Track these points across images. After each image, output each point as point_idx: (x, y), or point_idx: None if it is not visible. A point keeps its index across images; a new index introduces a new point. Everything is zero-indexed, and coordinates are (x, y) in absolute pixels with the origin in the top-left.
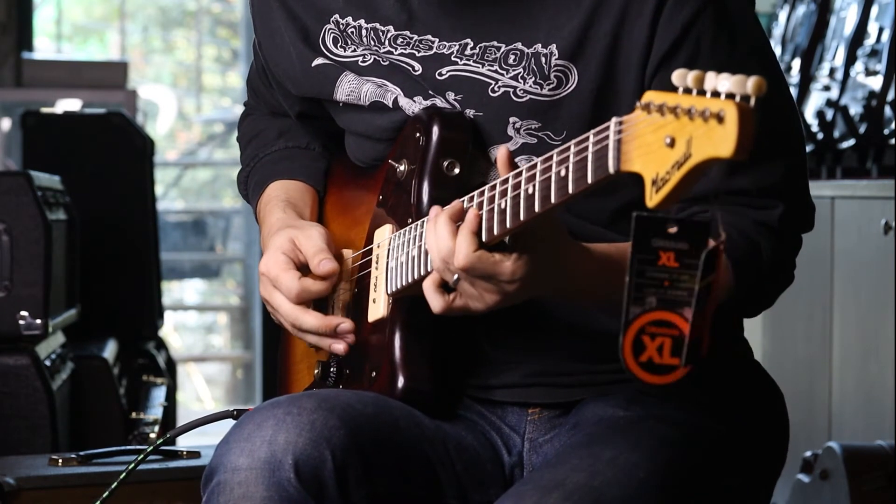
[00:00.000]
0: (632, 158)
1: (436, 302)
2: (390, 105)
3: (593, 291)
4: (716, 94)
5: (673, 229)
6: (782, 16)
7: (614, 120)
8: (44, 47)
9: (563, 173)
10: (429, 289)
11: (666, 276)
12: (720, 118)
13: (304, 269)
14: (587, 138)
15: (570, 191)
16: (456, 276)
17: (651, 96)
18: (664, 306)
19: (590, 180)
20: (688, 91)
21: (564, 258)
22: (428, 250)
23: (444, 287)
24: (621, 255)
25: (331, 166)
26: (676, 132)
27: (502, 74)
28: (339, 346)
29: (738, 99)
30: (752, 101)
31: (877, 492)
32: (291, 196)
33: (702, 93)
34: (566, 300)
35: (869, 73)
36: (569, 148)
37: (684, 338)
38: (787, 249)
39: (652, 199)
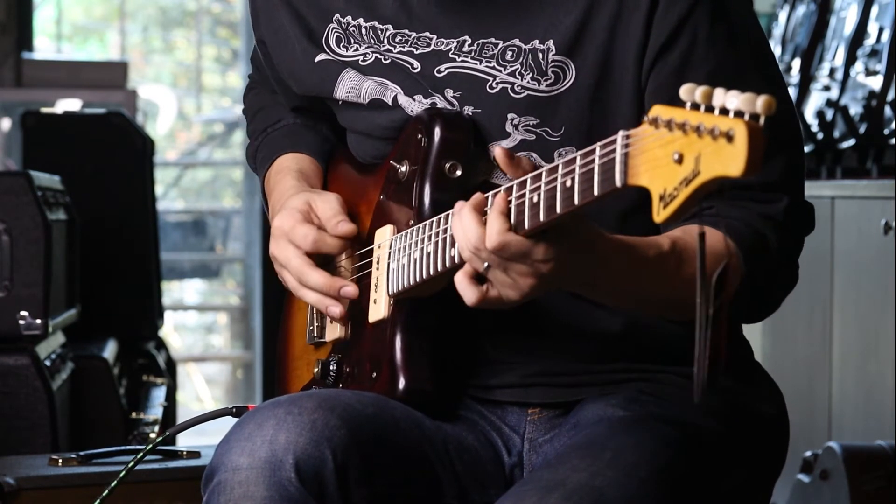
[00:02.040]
0: (639, 173)
1: (469, 294)
2: (390, 103)
3: (625, 283)
4: (724, 111)
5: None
6: (782, 16)
7: (621, 133)
8: (44, 47)
9: (568, 184)
10: (461, 281)
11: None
12: (729, 137)
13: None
14: (593, 150)
15: (577, 202)
16: (487, 264)
17: (658, 111)
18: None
19: (596, 192)
20: (695, 107)
21: (592, 244)
22: (456, 242)
23: (478, 279)
24: (648, 248)
25: (334, 155)
26: (685, 149)
27: (500, 70)
28: (336, 310)
29: (746, 117)
30: (762, 121)
31: (877, 492)
32: (304, 168)
33: (710, 109)
34: (596, 292)
35: (869, 73)
36: (574, 160)
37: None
38: (792, 243)
39: (659, 214)
